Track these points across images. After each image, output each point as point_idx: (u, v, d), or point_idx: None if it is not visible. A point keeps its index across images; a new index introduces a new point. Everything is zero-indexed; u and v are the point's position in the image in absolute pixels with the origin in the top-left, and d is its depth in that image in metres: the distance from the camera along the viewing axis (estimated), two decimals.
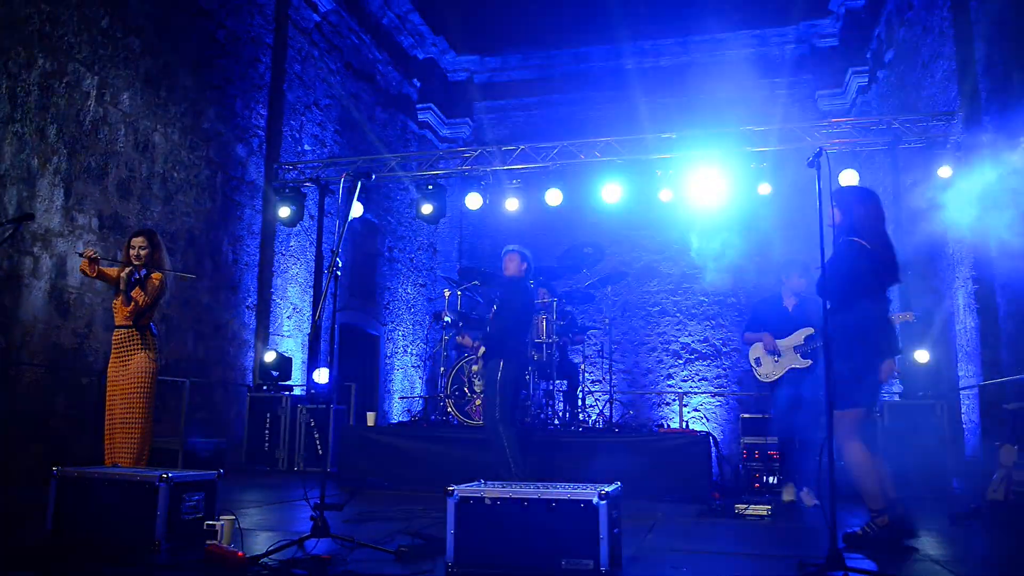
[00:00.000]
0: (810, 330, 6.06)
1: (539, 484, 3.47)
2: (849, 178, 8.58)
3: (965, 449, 8.10)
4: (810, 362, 6.19)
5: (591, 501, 2.97)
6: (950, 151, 8.21)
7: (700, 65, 14.01)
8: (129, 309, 5.05)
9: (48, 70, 7.00)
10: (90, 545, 3.49)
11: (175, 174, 8.59)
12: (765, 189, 8.71)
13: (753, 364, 6.56)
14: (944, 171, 8.13)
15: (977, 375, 8.07)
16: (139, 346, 5.04)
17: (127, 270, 5.07)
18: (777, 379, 6.37)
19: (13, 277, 6.64)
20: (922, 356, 7.50)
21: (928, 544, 4.24)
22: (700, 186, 8.94)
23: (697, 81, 13.90)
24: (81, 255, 5.15)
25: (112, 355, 5.09)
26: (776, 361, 6.35)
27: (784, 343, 6.32)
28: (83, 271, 5.13)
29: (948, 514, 5.11)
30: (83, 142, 7.38)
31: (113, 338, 5.12)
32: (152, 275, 5.11)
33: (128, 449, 4.90)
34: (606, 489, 3.03)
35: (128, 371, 5.01)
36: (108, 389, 5.06)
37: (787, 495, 6.13)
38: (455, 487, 3.13)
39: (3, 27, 6.57)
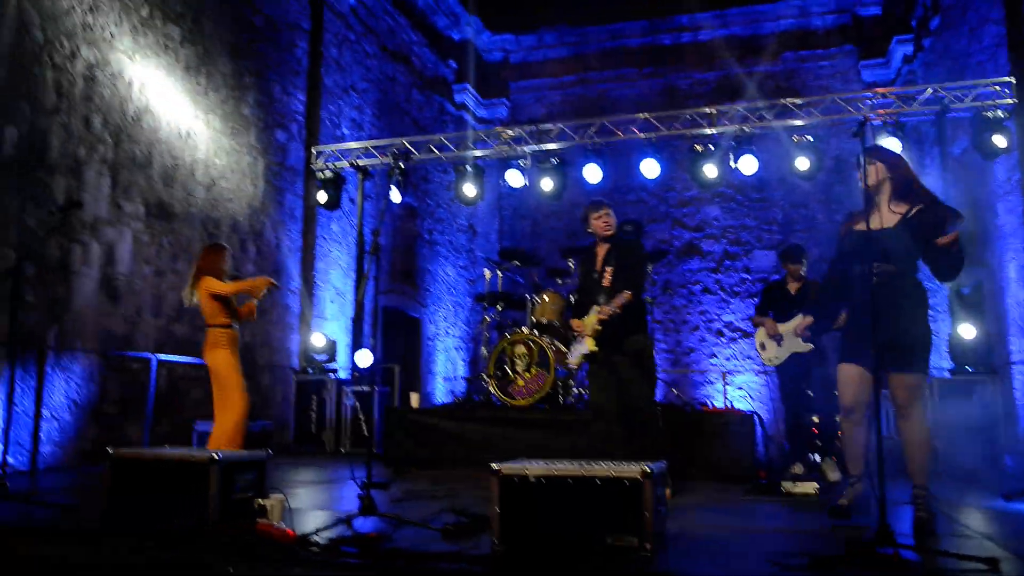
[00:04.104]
0: (809, 319, 5.71)
1: (581, 462, 3.47)
2: (892, 144, 8.37)
3: (1019, 426, 7.92)
4: (811, 346, 6.22)
5: (636, 479, 2.96)
6: (999, 119, 7.96)
7: (739, 38, 13.78)
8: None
9: (91, 61, 7.12)
10: (144, 525, 3.58)
11: (217, 160, 8.70)
12: (806, 163, 8.50)
13: (759, 348, 6.68)
14: (999, 140, 7.84)
15: None
16: (222, 343, 5.39)
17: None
18: (782, 363, 6.46)
19: (64, 266, 6.80)
20: (967, 331, 7.31)
21: (979, 522, 4.17)
22: (740, 162, 8.78)
23: (736, 54, 13.68)
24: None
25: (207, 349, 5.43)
26: (779, 345, 6.43)
27: (785, 327, 6.35)
28: None
29: (1001, 492, 5.01)
30: (127, 131, 7.51)
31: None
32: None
33: (223, 433, 5.26)
34: (650, 467, 3.02)
35: (215, 364, 5.34)
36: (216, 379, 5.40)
37: (831, 475, 6.04)
38: (499, 465, 3.15)
39: (47, 19, 6.69)
